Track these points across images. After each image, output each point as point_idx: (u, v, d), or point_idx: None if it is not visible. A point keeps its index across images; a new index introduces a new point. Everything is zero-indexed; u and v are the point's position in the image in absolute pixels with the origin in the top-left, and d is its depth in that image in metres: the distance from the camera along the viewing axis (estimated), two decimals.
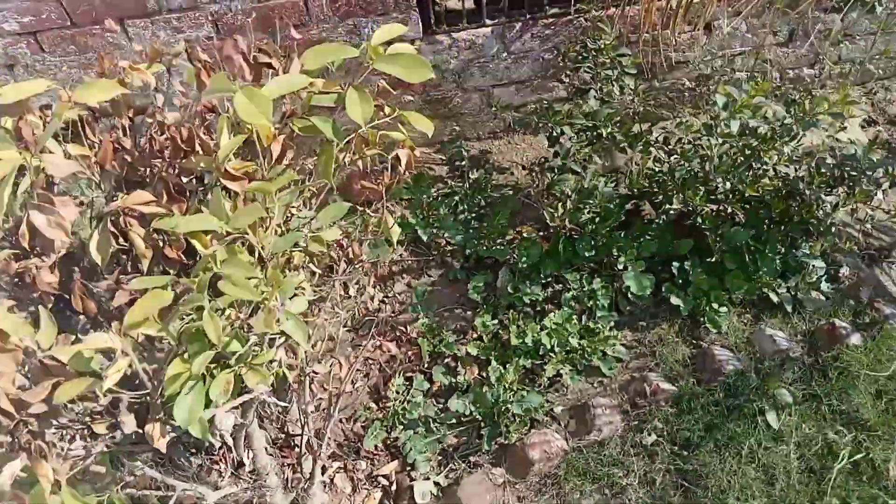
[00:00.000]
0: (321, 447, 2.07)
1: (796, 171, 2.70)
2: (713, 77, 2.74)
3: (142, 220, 1.44)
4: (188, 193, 1.55)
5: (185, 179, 1.62)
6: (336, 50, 1.49)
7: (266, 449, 2.11)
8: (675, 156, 2.67)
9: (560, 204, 2.79)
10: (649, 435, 2.46)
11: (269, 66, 1.75)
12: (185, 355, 1.22)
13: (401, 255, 3.16)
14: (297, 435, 2.15)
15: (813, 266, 2.77)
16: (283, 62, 1.79)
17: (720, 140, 2.39)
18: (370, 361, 2.83)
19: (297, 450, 2.16)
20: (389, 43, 1.63)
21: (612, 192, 2.76)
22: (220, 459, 1.66)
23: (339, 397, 2.01)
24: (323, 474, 2.44)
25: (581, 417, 2.51)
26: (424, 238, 3.12)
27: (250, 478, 1.80)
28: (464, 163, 3.52)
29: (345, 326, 2.95)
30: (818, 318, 2.73)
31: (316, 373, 2.74)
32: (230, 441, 1.64)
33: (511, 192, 3.41)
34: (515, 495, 2.38)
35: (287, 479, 2.12)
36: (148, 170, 1.59)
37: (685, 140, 2.61)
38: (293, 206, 1.76)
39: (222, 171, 1.44)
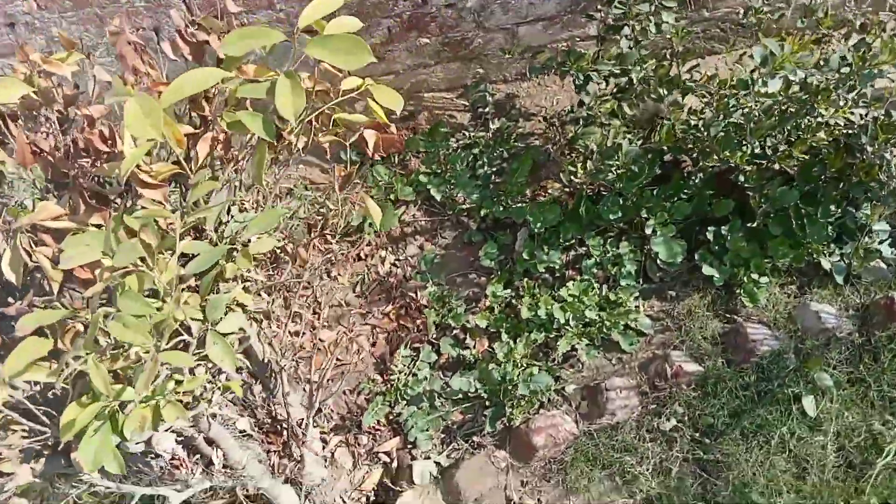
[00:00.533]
0: (305, 435, 2.00)
1: (862, 117, 2.32)
2: (761, 10, 2.33)
3: (57, 235, 1.32)
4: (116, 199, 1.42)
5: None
6: (261, 34, 1.28)
7: (252, 435, 2.06)
8: (712, 108, 2.32)
9: (580, 164, 2.52)
10: (668, 420, 2.27)
11: (209, 42, 1.56)
12: (85, 398, 1.12)
13: (413, 216, 2.98)
14: (284, 420, 2.10)
15: (873, 230, 2.41)
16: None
17: (759, 100, 2.04)
18: (377, 330, 2.72)
19: (283, 435, 2.11)
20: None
21: (639, 150, 2.44)
22: (181, 464, 1.61)
23: (319, 389, 1.91)
24: (324, 448, 2.40)
25: (594, 399, 2.33)
26: (438, 197, 2.91)
27: (225, 472, 1.75)
28: (487, 109, 3.25)
29: (354, 291, 2.84)
30: (875, 290, 2.40)
31: (322, 340, 2.67)
32: (182, 453, 1.58)
33: (538, 142, 3.14)
34: (518, 479, 2.27)
35: (274, 465, 2.08)
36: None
37: (724, 90, 2.25)
38: (245, 200, 1.61)
39: (137, 179, 1.29)
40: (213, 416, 1.57)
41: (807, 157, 2.36)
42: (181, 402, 1.27)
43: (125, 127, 1.13)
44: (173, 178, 1.41)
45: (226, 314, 1.37)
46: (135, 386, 1.04)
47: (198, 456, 1.69)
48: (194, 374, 1.33)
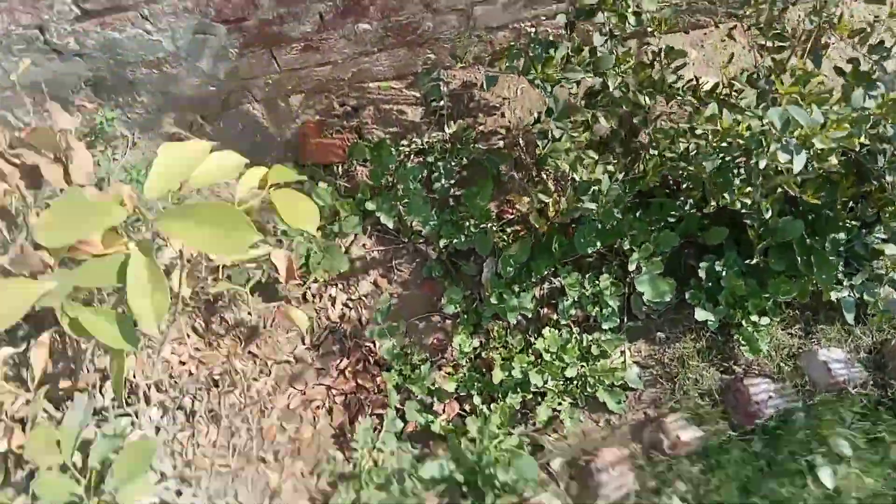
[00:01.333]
0: None
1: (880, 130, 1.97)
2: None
3: None
4: None
5: None
6: (94, 210, 0.86)
7: None
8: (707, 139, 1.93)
9: (552, 198, 2.14)
10: (669, 499, 2.02)
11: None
12: None
13: (364, 245, 2.58)
14: None
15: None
16: (63, 157, 1.16)
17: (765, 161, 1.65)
18: (333, 392, 2.39)
19: None
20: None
21: (621, 188, 2.06)
22: None
23: None
24: None
25: (584, 481, 2.07)
26: (390, 224, 2.51)
27: None
28: (441, 103, 2.80)
29: (304, 343, 2.48)
30: (888, 329, 2.13)
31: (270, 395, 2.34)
32: None
33: (501, 143, 2.72)
34: None
35: None
36: None
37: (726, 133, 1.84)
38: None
39: None
40: None
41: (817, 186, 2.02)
42: None
43: None
44: None
45: None
46: None
47: None
48: None
